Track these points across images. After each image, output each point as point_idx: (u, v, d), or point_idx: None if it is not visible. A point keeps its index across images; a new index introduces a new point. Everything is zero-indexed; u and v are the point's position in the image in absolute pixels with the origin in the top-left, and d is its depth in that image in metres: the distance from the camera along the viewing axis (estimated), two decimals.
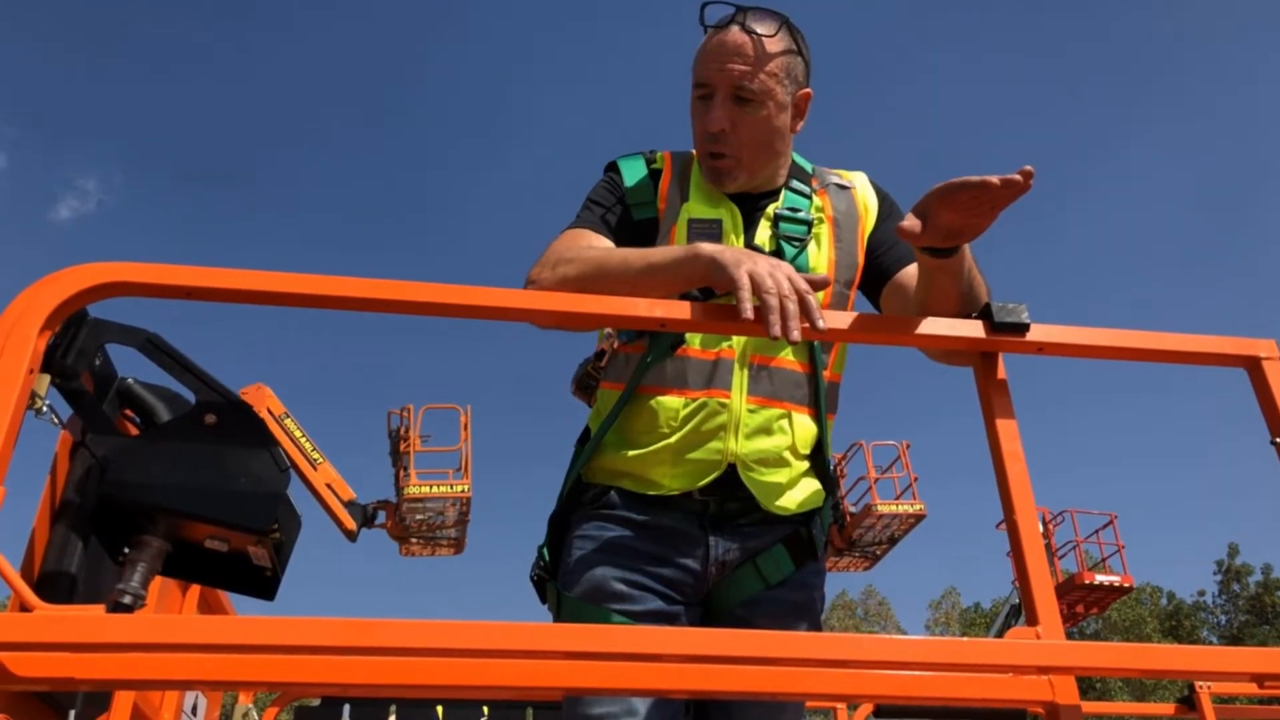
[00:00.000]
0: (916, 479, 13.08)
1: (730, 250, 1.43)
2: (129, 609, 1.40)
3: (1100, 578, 14.28)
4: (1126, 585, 14.59)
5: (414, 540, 12.67)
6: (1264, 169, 56.31)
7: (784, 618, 1.66)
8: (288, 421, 11.31)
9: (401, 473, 12.18)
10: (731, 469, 1.63)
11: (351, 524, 11.56)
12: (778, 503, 1.66)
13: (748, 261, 1.37)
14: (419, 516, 12.21)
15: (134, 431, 1.54)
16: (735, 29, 1.64)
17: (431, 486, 11.92)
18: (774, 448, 1.65)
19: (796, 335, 1.29)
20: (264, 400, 11.16)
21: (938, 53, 63.64)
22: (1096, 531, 14.77)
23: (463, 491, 11.94)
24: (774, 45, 1.64)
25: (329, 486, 11.45)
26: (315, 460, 11.43)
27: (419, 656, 1.12)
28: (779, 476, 1.66)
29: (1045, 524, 14.81)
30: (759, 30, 1.64)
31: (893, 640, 1.16)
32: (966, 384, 1.43)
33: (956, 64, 64.54)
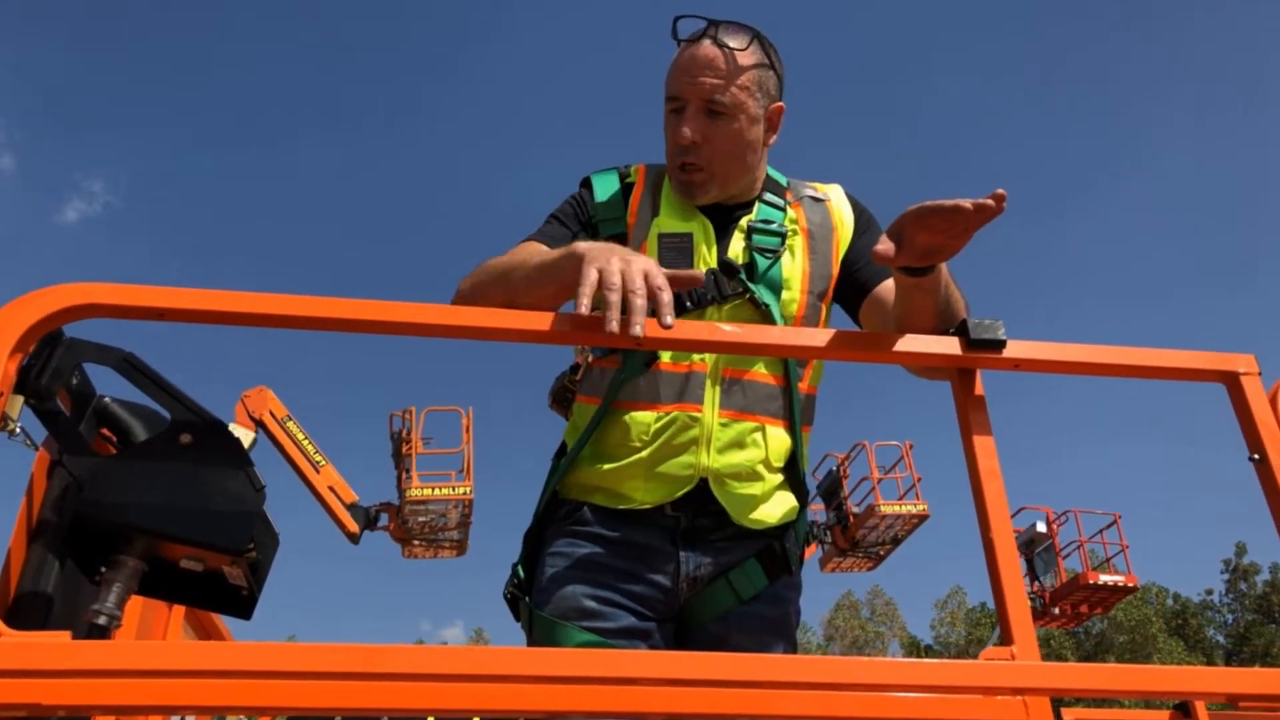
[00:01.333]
0: (920, 479, 13.09)
1: (599, 247, 1.37)
2: (104, 629, 1.39)
3: (1104, 578, 14.28)
4: (1130, 585, 14.59)
5: (416, 542, 12.70)
6: (1260, 183, 56.19)
7: (758, 633, 1.64)
8: (290, 424, 11.31)
9: (403, 475, 12.20)
10: (703, 483, 1.62)
11: (354, 526, 11.59)
12: (750, 516, 1.65)
13: (603, 258, 1.31)
14: (421, 519, 12.23)
15: (112, 451, 1.54)
16: (707, 43, 1.63)
17: (433, 489, 11.94)
18: (747, 461, 1.64)
19: (637, 331, 1.23)
20: (266, 403, 11.18)
21: (937, 63, 63.59)
22: (1100, 531, 14.77)
23: (464, 494, 11.96)
24: (745, 59, 1.64)
25: (331, 489, 11.48)
26: (318, 463, 11.45)
27: (395, 681, 1.12)
28: (752, 490, 1.65)
29: (1050, 524, 14.82)
30: (730, 44, 1.63)
31: (866, 662, 1.15)
32: None
33: (955, 74, 64.48)
